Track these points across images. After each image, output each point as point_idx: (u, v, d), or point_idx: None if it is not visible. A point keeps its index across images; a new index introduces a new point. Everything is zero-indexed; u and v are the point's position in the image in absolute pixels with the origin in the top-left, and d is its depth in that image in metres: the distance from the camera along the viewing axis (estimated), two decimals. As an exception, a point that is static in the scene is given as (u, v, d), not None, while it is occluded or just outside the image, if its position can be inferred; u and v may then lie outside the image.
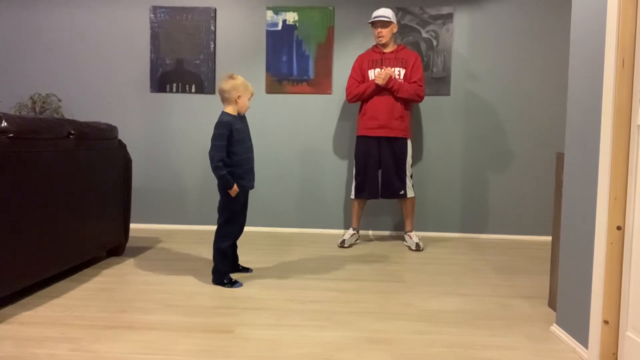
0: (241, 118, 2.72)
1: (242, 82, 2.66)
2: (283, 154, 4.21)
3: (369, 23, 3.64)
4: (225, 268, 2.71)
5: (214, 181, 4.14)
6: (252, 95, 2.70)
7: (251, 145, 2.76)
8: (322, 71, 4.13)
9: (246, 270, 2.90)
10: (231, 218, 2.71)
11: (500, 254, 3.53)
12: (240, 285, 2.68)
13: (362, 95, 3.60)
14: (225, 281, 2.68)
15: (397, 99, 3.55)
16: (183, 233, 4.05)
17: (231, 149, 2.63)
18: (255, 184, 2.89)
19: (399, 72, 3.58)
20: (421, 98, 3.61)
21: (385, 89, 3.52)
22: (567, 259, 2.05)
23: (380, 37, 3.58)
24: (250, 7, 4.16)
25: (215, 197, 4.29)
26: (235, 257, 2.89)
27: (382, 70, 3.51)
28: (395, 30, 3.64)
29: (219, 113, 4.35)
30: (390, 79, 3.50)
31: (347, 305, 2.38)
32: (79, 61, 4.25)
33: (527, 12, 4.04)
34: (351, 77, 3.67)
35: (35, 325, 2.07)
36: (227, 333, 2.03)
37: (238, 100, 2.65)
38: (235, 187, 2.62)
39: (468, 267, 3.15)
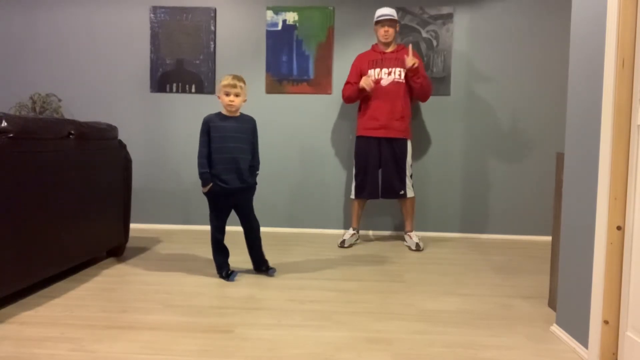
0: (226, 118, 2.72)
1: (222, 81, 2.69)
2: (283, 154, 4.20)
3: (375, 22, 3.63)
4: (218, 260, 2.80)
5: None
6: (225, 87, 2.66)
7: (236, 146, 2.69)
8: (322, 71, 4.13)
9: (268, 269, 2.87)
10: (212, 210, 2.78)
11: (500, 254, 3.53)
12: (235, 275, 2.74)
13: (351, 97, 3.65)
14: (223, 274, 2.77)
15: (397, 99, 3.55)
16: (183, 233, 4.05)
17: (210, 147, 2.69)
18: (256, 184, 2.87)
19: (399, 72, 3.58)
20: (429, 94, 3.66)
21: (413, 74, 3.50)
22: (567, 259, 2.05)
23: (387, 35, 3.58)
24: (250, 7, 4.16)
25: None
26: (254, 258, 2.89)
27: (367, 77, 3.52)
28: (397, 29, 3.66)
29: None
30: (417, 70, 3.48)
31: (347, 305, 2.38)
32: (79, 61, 4.25)
33: (527, 12, 4.04)
34: (347, 81, 3.70)
35: (35, 325, 2.07)
36: (227, 333, 2.03)
37: (220, 100, 2.72)
38: (207, 185, 2.69)
39: (468, 267, 3.15)
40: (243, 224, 2.83)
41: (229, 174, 2.68)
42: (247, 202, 2.83)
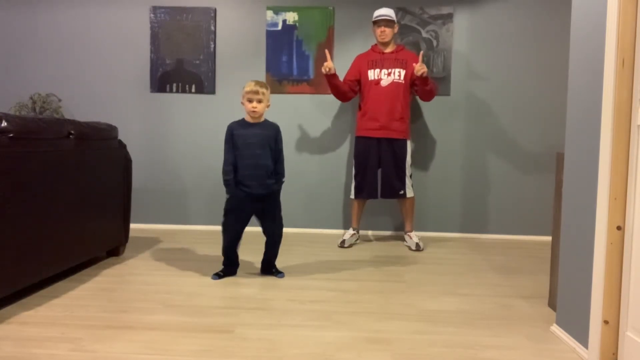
0: (248, 125, 2.74)
1: (244, 87, 2.72)
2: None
3: (373, 22, 3.63)
4: (224, 260, 2.82)
5: (213, 181, 4.17)
6: (247, 94, 2.68)
7: (257, 153, 2.70)
8: (322, 71, 4.11)
9: (278, 273, 2.86)
10: (227, 213, 2.77)
11: (500, 254, 3.53)
12: (215, 278, 2.76)
13: (335, 94, 3.65)
14: (219, 271, 2.82)
15: (397, 100, 3.56)
16: (183, 233, 4.05)
17: (235, 154, 2.73)
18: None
19: (399, 73, 3.58)
20: (435, 94, 3.66)
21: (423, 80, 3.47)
22: (567, 259, 2.05)
23: (383, 35, 3.58)
24: (250, 7, 4.16)
25: (215, 196, 4.30)
26: (263, 262, 2.89)
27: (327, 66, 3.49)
28: (396, 30, 3.65)
29: (219, 113, 4.37)
30: (427, 78, 3.47)
31: (347, 305, 2.38)
32: (79, 61, 4.25)
33: (527, 11, 4.04)
34: (343, 79, 3.69)
35: (35, 325, 2.07)
36: (227, 333, 2.03)
37: (243, 107, 2.74)
38: (230, 190, 2.72)
39: (468, 267, 3.15)
40: (264, 230, 2.83)
41: (251, 180, 2.69)
42: (270, 208, 2.79)
